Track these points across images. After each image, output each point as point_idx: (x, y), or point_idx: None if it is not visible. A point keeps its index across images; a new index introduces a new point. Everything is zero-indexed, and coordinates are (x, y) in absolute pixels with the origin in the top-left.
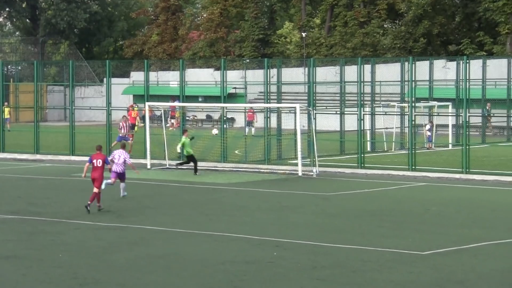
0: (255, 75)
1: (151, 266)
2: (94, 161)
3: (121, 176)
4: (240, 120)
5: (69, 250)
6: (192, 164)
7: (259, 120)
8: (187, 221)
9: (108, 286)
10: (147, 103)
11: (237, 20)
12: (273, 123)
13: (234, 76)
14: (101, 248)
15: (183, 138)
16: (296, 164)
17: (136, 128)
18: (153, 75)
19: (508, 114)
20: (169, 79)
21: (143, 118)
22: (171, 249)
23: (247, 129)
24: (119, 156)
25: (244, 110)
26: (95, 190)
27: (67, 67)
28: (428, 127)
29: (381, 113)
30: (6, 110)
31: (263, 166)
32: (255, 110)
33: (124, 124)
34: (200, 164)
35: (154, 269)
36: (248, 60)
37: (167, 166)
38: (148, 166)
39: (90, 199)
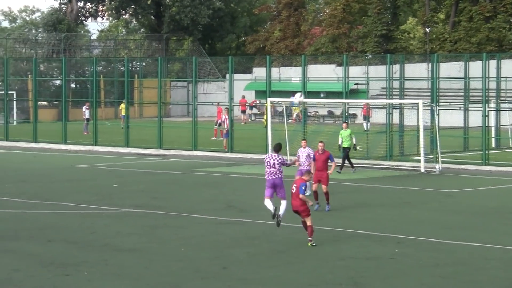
0: (378, 71)
1: (272, 261)
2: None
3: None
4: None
5: (190, 244)
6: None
7: (379, 116)
8: None
9: (229, 280)
10: (268, 99)
11: (360, 15)
12: (395, 119)
13: (356, 72)
14: (222, 243)
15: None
16: (419, 161)
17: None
18: (275, 71)
19: None
20: (291, 75)
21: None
22: (292, 244)
23: (364, 124)
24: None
25: (367, 107)
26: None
27: (190, 63)
28: None
29: (507, 109)
30: (123, 106)
31: (385, 163)
32: (370, 106)
33: (226, 117)
34: None
35: (274, 264)
36: (370, 56)
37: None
38: None
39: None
